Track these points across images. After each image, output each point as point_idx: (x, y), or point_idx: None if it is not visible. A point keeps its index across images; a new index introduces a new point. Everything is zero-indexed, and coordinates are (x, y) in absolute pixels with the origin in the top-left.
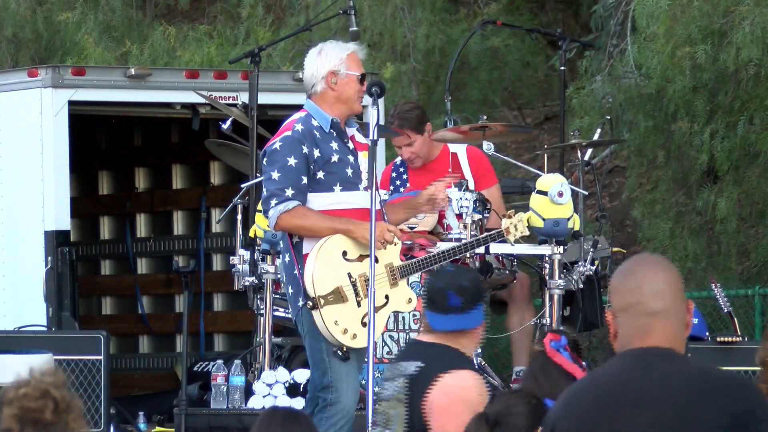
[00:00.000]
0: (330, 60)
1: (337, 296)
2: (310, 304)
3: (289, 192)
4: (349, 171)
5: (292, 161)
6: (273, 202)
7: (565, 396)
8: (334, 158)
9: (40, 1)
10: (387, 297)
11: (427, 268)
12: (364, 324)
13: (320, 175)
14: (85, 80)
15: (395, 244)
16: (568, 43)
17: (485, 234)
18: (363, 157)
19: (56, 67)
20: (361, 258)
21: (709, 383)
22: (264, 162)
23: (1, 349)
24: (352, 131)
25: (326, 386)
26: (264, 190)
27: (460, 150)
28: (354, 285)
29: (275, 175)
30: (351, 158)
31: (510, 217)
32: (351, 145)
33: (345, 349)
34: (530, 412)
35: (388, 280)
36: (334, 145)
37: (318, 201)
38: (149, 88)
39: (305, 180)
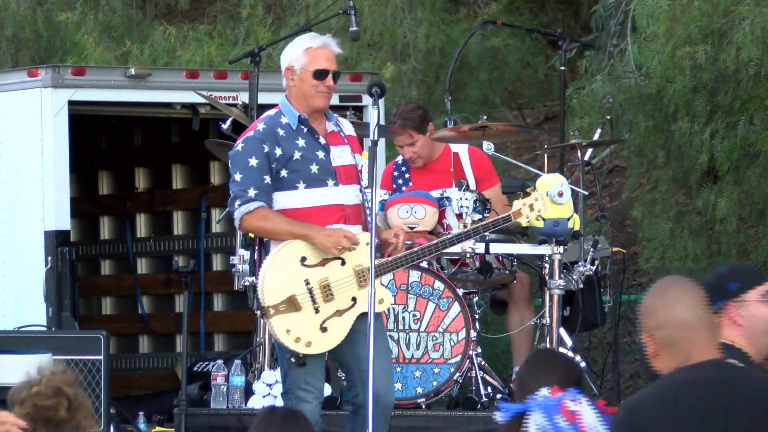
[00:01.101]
0: (288, 56)
1: (290, 305)
2: (259, 313)
3: (252, 192)
4: (314, 168)
5: (253, 161)
6: (236, 203)
7: (654, 402)
8: (297, 156)
9: (40, 1)
10: (354, 299)
11: (405, 266)
12: (323, 329)
13: (283, 173)
14: (85, 80)
15: (354, 250)
16: (568, 43)
17: (483, 223)
18: (363, 158)
19: (56, 67)
20: (324, 262)
21: None
22: (229, 164)
23: (1, 349)
24: (331, 126)
25: (285, 391)
26: (230, 192)
27: (461, 150)
28: (311, 292)
29: (238, 176)
30: (320, 154)
31: (528, 195)
32: (323, 140)
33: (302, 356)
34: None
35: (356, 281)
36: (301, 142)
37: (283, 199)
38: (149, 88)
39: (268, 179)
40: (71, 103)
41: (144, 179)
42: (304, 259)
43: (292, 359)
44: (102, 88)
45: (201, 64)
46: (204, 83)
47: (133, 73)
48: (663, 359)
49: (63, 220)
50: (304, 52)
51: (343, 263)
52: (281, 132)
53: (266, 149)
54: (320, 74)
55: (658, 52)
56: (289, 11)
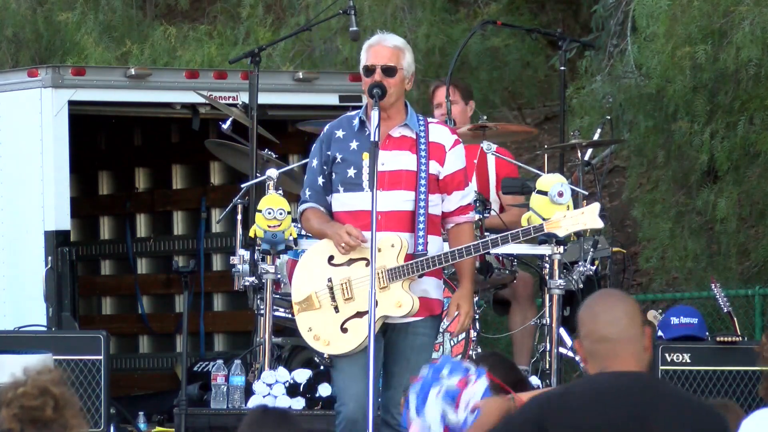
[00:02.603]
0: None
1: (310, 303)
2: (290, 310)
3: (308, 193)
4: (351, 171)
5: (314, 162)
6: (300, 203)
7: (560, 398)
8: (338, 158)
9: (40, 1)
10: (375, 302)
11: (428, 270)
12: (344, 330)
13: (333, 175)
14: (85, 80)
15: (362, 247)
16: (568, 43)
17: (512, 232)
18: (364, 158)
19: (56, 67)
20: (350, 262)
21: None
22: None
23: (1, 349)
24: (401, 130)
25: (335, 395)
26: None
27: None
28: (331, 290)
29: (305, 177)
30: (366, 157)
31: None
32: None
33: (327, 356)
34: None
35: (377, 282)
36: (354, 144)
37: (333, 202)
38: (149, 88)
39: (321, 180)
40: (71, 103)
41: (144, 179)
42: (331, 258)
43: (316, 358)
44: (102, 88)
45: (201, 64)
46: (204, 83)
47: (133, 73)
48: (590, 366)
49: (63, 220)
50: (363, 52)
51: (368, 264)
52: (339, 133)
53: (323, 150)
54: (367, 71)
55: (658, 52)
56: (289, 11)
